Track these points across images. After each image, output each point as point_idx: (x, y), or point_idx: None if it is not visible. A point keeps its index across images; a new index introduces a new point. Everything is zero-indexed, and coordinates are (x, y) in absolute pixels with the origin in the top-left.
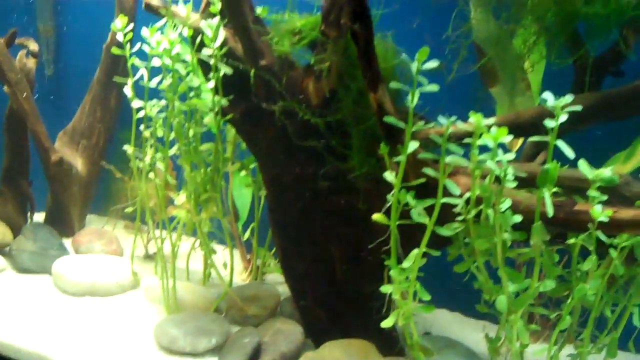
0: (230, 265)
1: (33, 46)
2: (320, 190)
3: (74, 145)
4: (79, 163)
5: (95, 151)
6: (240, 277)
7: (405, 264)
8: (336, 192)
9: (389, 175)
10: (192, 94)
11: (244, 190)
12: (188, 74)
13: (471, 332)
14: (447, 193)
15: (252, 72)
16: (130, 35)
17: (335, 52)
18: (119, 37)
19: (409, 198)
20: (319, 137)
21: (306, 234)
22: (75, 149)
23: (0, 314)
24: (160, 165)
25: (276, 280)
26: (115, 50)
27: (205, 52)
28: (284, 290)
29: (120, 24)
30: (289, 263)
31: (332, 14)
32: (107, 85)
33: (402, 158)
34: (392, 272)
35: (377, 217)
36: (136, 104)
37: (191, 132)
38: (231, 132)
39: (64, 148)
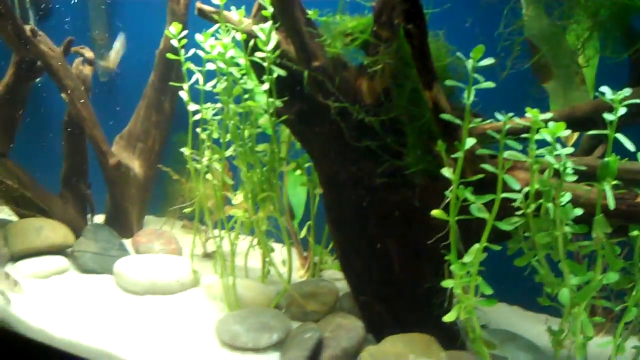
0: (289, 263)
1: (88, 54)
2: (377, 188)
3: (130, 149)
4: (136, 166)
5: (152, 154)
6: (298, 274)
7: (467, 258)
8: (392, 189)
9: (447, 172)
10: (246, 96)
11: (298, 188)
12: (242, 76)
13: (530, 326)
14: (504, 188)
15: (306, 73)
16: (184, 41)
17: (388, 52)
18: (174, 43)
19: (468, 194)
20: (374, 136)
21: (363, 231)
22: (132, 152)
23: (66, 313)
24: (217, 166)
25: (333, 277)
26: (170, 56)
27: (259, 55)
28: (342, 286)
29: (174, 31)
30: (347, 259)
31: (383, 15)
32: (161, 90)
33: (459, 154)
34: (453, 267)
35: (436, 213)
36: (192, 107)
37: (246, 133)
38: (285, 132)
39: (121, 152)
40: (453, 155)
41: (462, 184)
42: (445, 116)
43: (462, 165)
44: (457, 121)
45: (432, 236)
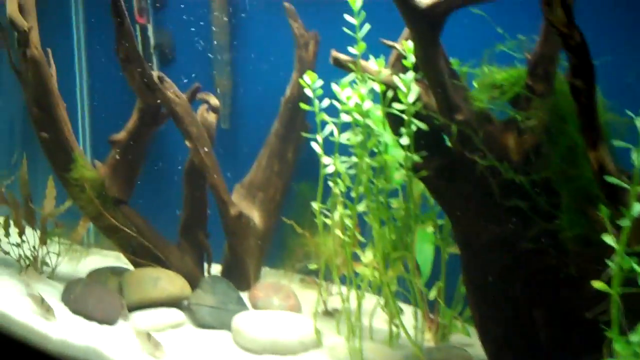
0: (419, 327)
1: (214, 101)
2: (523, 251)
3: (250, 198)
4: (255, 216)
5: (272, 204)
6: (424, 337)
7: (634, 337)
8: (541, 253)
9: (609, 239)
10: (380, 148)
11: (426, 245)
12: (378, 129)
13: None
14: None
15: (448, 127)
16: (320, 91)
17: (542, 107)
18: (308, 92)
19: (635, 264)
20: (521, 195)
21: (506, 296)
22: (252, 202)
23: None
24: (348, 222)
25: (462, 342)
26: (304, 106)
27: (397, 107)
28: (474, 352)
29: (309, 80)
30: (485, 326)
31: (539, 67)
32: (285, 139)
33: (626, 221)
34: (616, 346)
35: (597, 284)
36: (326, 160)
37: (380, 188)
38: (419, 186)
39: (241, 200)
40: (617, 222)
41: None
42: (612, 179)
43: (628, 232)
44: (624, 185)
45: (586, 307)
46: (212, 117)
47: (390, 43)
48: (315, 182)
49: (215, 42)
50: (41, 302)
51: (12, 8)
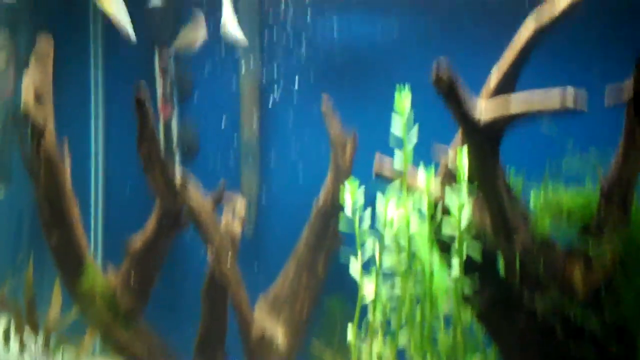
0: None
1: (240, 206)
2: None
3: (275, 314)
4: (280, 334)
5: (299, 320)
6: None
7: None
8: None
9: None
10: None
11: None
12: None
13: None
14: None
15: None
16: (361, 203)
17: (617, 236)
18: (347, 211)
19: None
20: (588, 336)
21: None
22: (276, 318)
23: None
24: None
25: None
26: (343, 228)
27: (447, 229)
28: None
29: (349, 199)
30: None
31: (615, 193)
32: (316, 249)
33: None
34: None
35: None
36: (368, 288)
37: (425, 319)
38: (465, 315)
39: (264, 317)
40: None
41: None
42: None
43: None
44: None
45: None
46: (237, 226)
47: (443, 160)
48: (347, 295)
49: (242, 137)
50: None
51: (27, 97)
